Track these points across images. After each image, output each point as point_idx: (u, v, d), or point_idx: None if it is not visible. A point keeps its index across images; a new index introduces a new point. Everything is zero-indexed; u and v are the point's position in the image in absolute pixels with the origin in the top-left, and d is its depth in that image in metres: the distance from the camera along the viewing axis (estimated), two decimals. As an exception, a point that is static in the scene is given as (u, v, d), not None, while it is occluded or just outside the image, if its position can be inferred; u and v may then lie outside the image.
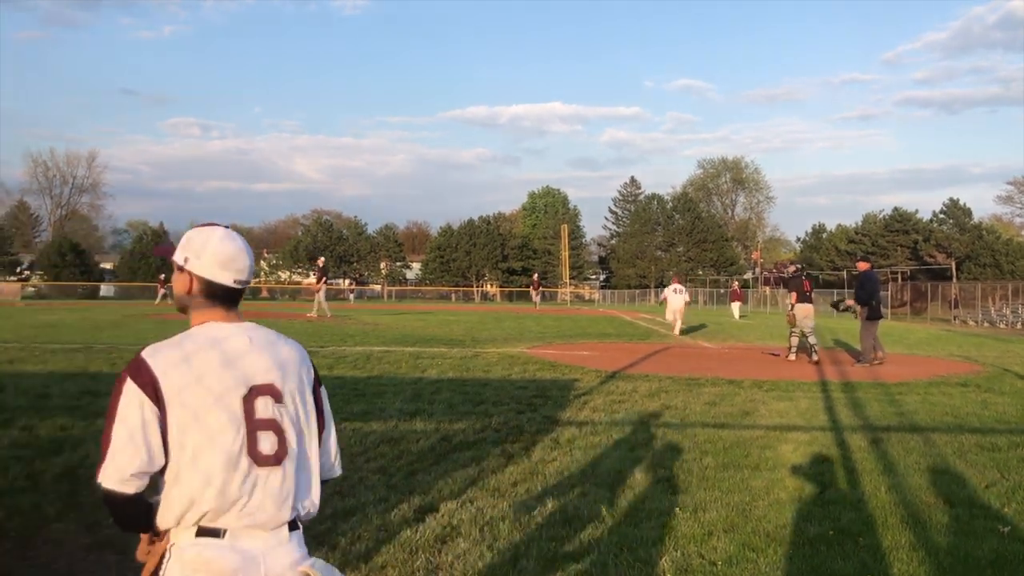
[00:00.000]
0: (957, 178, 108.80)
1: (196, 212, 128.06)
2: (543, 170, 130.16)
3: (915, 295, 40.40)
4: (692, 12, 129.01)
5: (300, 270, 72.88)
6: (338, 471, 1.91)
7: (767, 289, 51.65)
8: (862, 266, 13.07)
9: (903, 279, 47.39)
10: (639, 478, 5.00)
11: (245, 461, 1.62)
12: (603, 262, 77.99)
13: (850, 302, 12.18)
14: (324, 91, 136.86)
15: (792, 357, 12.63)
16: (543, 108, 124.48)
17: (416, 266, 76.68)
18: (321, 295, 23.33)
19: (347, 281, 72.88)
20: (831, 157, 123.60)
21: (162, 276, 44.61)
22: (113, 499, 1.62)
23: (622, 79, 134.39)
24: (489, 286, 70.11)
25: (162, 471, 1.62)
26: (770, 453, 5.77)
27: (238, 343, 1.71)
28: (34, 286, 58.24)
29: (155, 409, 1.58)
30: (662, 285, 22.43)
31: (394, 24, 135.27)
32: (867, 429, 6.73)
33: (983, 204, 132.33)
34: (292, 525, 1.68)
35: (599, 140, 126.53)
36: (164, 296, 41.15)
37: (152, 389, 1.59)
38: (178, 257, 1.77)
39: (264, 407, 1.67)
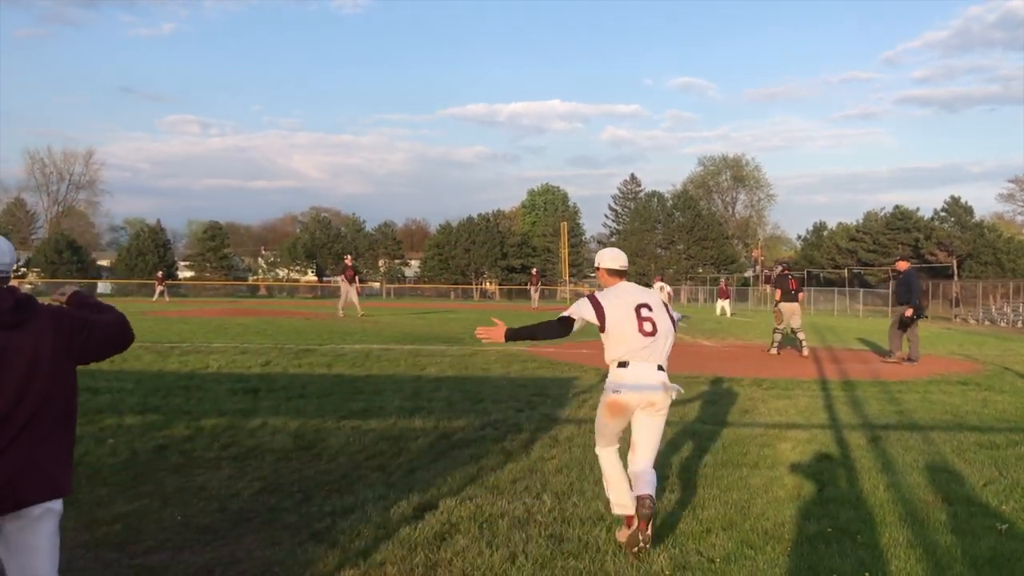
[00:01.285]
0: (957, 176, 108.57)
1: (194, 210, 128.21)
2: (543, 168, 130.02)
3: (915, 293, 40.33)
4: (691, 10, 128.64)
5: (298, 267, 72.86)
6: (677, 323, 4.10)
7: (767, 287, 51.65)
8: (902, 265, 13.13)
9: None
10: (638, 476, 5.00)
11: (639, 334, 3.76)
12: (603, 260, 77.92)
13: (909, 312, 12.12)
14: (323, 89, 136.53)
15: (774, 351, 13.22)
16: (542, 106, 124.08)
17: (415, 264, 76.64)
18: (352, 293, 22.98)
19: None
20: (831, 155, 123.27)
21: (160, 273, 44.54)
22: (563, 320, 3.86)
23: (621, 77, 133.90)
24: (488, 284, 70.08)
25: (602, 330, 3.84)
26: (769, 451, 5.77)
27: (628, 288, 3.96)
28: (31, 283, 58.22)
29: (594, 309, 3.81)
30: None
31: (393, 23, 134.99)
32: (866, 427, 6.74)
33: (984, 202, 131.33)
34: (659, 368, 3.80)
35: (599, 138, 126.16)
36: (162, 293, 41.05)
37: (596, 302, 3.83)
38: (596, 263, 4.07)
39: (644, 312, 3.81)
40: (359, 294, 23.50)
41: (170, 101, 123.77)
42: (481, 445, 5.82)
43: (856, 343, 17.02)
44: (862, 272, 52.69)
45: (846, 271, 48.84)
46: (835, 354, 13.87)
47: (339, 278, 24.56)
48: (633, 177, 77.08)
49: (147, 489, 4.59)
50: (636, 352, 3.72)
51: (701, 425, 6.67)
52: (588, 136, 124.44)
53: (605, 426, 3.87)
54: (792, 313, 13.29)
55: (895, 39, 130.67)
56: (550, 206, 78.34)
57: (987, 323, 31.60)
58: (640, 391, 3.71)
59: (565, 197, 79.87)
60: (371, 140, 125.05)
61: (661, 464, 5.37)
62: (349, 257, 25.71)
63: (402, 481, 4.82)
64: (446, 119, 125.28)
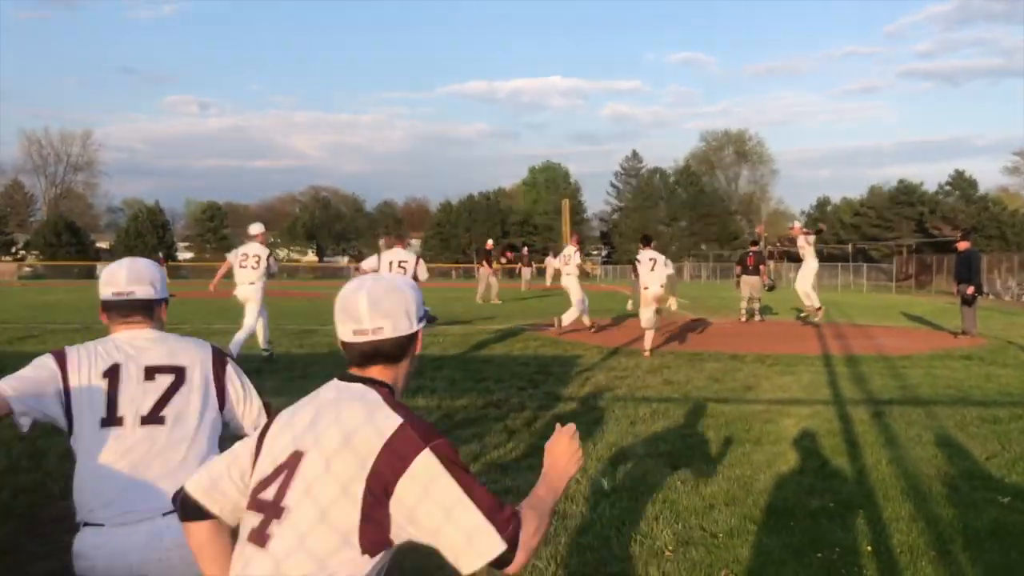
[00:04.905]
0: (961, 150, 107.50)
1: (193, 190, 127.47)
2: (543, 145, 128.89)
3: (920, 268, 40.29)
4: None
5: (298, 248, 72.78)
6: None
7: (771, 263, 51.49)
8: (962, 246, 13.16)
9: (908, 252, 47.23)
10: (641, 452, 5.02)
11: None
12: (605, 237, 77.67)
13: (970, 289, 12.44)
14: (322, 67, 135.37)
15: (752, 318, 14.97)
16: (542, 82, 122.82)
17: (416, 243, 76.52)
18: (493, 279, 22.03)
19: (346, 259, 72.81)
20: (834, 130, 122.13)
21: (161, 255, 44.51)
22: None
23: (622, 52, 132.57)
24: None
25: None
26: (772, 427, 5.78)
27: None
28: (30, 266, 58.29)
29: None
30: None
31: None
32: (869, 402, 6.74)
33: (989, 176, 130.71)
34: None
35: (600, 114, 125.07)
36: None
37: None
38: (793, 225, 13.70)
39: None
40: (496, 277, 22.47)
41: (169, 81, 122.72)
42: (484, 423, 5.83)
43: (864, 319, 16.99)
44: (866, 247, 52.52)
45: (850, 246, 48.67)
46: (839, 330, 13.85)
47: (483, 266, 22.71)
48: (635, 153, 76.52)
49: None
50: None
51: (705, 401, 6.67)
52: (589, 112, 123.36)
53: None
54: (749, 285, 15.21)
55: (897, 12, 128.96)
56: (551, 183, 77.89)
57: (991, 297, 31.51)
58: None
59: (566, 174, 79.41)
60: (370, 118, 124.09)
61: (664, 441, 5.40)
62: (491, 242, 25.31)
63: (406, 460, 4.83)
64: (445, 96, 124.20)
